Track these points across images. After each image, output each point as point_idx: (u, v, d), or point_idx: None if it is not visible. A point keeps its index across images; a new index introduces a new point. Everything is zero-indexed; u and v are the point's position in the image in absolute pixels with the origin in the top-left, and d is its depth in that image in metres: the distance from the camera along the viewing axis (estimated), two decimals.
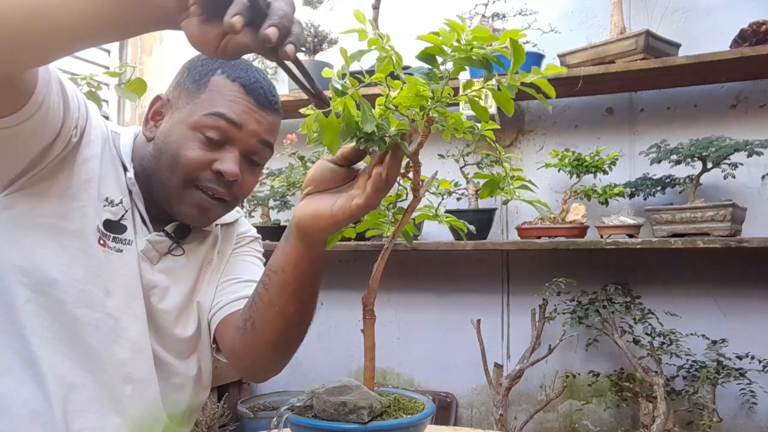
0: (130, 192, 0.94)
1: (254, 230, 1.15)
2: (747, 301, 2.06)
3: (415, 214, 0.79)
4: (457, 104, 0.73)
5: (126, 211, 0.93)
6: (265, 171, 2.53)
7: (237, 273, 1.05)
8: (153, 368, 0.93)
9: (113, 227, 0.91)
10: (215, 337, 1.01)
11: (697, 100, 2.15)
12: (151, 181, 0.95)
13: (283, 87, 2.66)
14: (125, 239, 0.92)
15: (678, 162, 1.92)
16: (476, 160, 2.15)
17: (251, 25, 0.59)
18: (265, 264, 0.95)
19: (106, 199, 0.91)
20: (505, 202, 0.84)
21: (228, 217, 1.06)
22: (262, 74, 0.96)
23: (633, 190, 2.02)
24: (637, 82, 2.11)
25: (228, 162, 0.90)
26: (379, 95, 0.69)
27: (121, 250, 0.91)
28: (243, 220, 1.14)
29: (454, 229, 0.86)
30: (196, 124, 0.90)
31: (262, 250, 1.14)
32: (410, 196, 0.77)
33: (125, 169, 0.94)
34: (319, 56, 2.49)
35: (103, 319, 0.88)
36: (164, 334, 0.96)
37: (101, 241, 0.89)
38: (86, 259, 0.87)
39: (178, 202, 0.92)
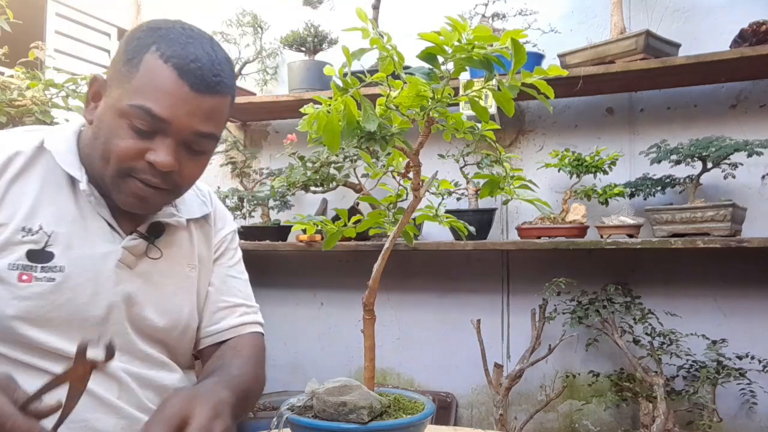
0: (93, 202, 0.90)
1: (230, 220, 1.10)
2: (747, 301, 2.06)
3: (415, 214, 0.79)
4: (458, 104, 0.73)
5: (49, 236, 0.87)
6: (265, 171, 2.53)
7: (224, 293, 1.03)
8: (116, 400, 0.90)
9: (38, 256, 0.85)
10: (200, 351, 1.02)
11: (697, 100, 2.15)
12: (95, 171, 0.89)
13: (284, 87, 2.66)
14: (55, 267, 0.86)
15: (678, 162, 1.91)
16: (476, 160, 2.15)
17: None
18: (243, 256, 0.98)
19: (23, 228, 0.85)
20: (505, 202, 0.84)
21: (195, 212, 1.02)
22: (207, 46, 0.86)
23: (633, 190, 2.02)
24: (637, 82, 2.11)
25: (160, 153, 0.84)
26: (379, 95, 0.69)
27: (53, 279, 0.86)
28: (219, 211, 1.09)
29: (454, 229, 0.86)
30: (123, 112, 0.83)
31: (238, 240, 1.12)
32: (410, 196, 0.77)
33: (75, 181, 0.89)
34: (319, 56, 2.49)
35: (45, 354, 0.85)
36: (145, 333, 0.94)
37: (23, 277, 0.84)
38: (16, 302, 0.83)
39: (116, 191, 0.87)
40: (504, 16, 2.21)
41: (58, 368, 0.85)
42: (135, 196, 0.87)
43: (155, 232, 0.95)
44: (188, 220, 1.01)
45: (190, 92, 0.83)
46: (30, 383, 0.84)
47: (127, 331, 0.92)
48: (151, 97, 0.82)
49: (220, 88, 0.86)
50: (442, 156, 2.19)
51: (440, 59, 0.63)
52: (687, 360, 1.96)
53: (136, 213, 0.92)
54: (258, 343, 1.03)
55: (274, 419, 0.74)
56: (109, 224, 0.91)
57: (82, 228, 0.90)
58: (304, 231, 0.88)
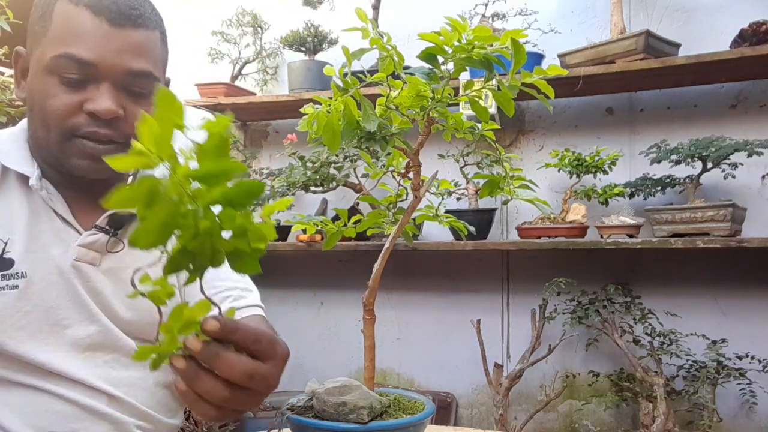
0: (46, 198, 0.84)
1: None
2: (747, 301, 2.06)
3: (415, 214, 0.79)
4: (458, 104, 0.73)
5: (6, 243, 0.82)
6: (264, 171, 2.53)
7: (213, 279, 0.95)
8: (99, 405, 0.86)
9: None
10: None
11: (697, 100, 2.15)
12: (44, 153, 0.84)
13: (284, 87, 2.66)
14: (17, 273, 0.82)
15: (678, 162, 1.91)
16: (476, 160, 2.15)
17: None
18: None
19: None
20: (505, 202, 0.84)
21: None
22: None
23: (633, 190, 2.02)
24: (637, 82, 2.11)
25: (99, 100, 0.78)
26: (379, 95, 0.69)
27: (16, 286, 0.81)
28: None
29: (454, 229, 0.86)
30: (49, 67, 0.78)
31: None
32: (410, 196, 0.77)
33: (25, 179, 0.84)
34: (319, 56, 2.49)
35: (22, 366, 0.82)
36: (124, 329, 0.90)
37: None
38: None
39: (65, 158, 0.81)
40: (504, 16, 2.21)
41: (39, 382, 0.83)
42: (87, 156, 0.81)
43: (117, 224, 0.89)
44: None
45: (109, 28, 0.78)
46: (13, 399, 0.82)
47: (108, 327, 0.88)
48: (70, 42, 0.77)
49: (141, 20, 0.81)
50: (442, 156, 2.19)
51: (440, 59, 0.63)
52: (687, 360, 1.96)
53: (93, 177, 0.84)
54: (263, 323, 0.94)
55: (274, 419, 0.74)
56: (65, 220, 0.86)
57: (38, 229, 0.85)
58: (304, 231, 0.87)
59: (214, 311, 0.53)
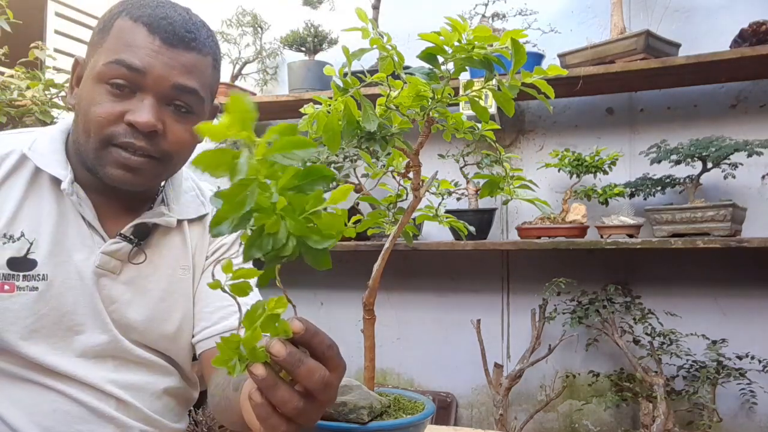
0: (75, 203, 0.85)
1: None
2: (747, 301, 2.06)
3: (415, 214, 0.79)
4: (458, 104, 0.73)
5: (31, 243, 0.83)
6: None
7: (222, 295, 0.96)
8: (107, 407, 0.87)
9: (19, 264, 0.82)
10: (200, 355, 0.96)
11: (697, 100, 2.15)
12: (83, 158, 0.85)
13: (284, 87, 2.66)
14: (38, 275, 0.82)
15: (678, 162, 1.91)
16: (476, 160, 2.15)
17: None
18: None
19: (5, 235, 0.82)
20: (505, 202, 0.84)
21: (191, 212, 0.97)
22: (180, 9, 0.84)
23: (633, 190, 2.02)
24: (637, 82, 2.11)
25: (140, 111, 0.80)
26: (379, 95, 0.69)
27: (36, 288, 0.82)
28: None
29: (454, 229, 0.86)
30: (100, 75, 0.80)
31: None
32: (410, 196, 0.77)
33: (58, 182, 0.85)
34: (319, 56, 2.49)
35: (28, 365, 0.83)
36: (135, 339, 0.91)
37: (5, 287, 0.80)
38: None
39: (101, 166, 0.82)
40: (504, 16, 2.21)
41: (49, 381, 0.83)
42: (121, 166, 0.82)
43: (142, 234, 0.90)
44: (183, 221, 0.95)
45: (162, 45, 0.80)
46: (22, 397, 0.82)
47: (118, 338, 0.88)
48: (123, 51, 0.79)
49: (195, 44, 0.83)
50: (442, 156, 2.19)
51: (440, 59, 0.63)
52: (687, 360, 1.96)
53: (126, 189, 0.85)
54: None
55: None
56: (91, 226, 0.87)
57: (63, 233, 0.85)
58: None
59: (290, 312, 0.51)
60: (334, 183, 2.22)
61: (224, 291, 0.50)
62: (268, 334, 0.49)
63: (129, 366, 0.90)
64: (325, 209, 0.44)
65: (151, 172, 0.85)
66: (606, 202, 2.01)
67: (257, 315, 0.49)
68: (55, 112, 1.89)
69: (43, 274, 0.83)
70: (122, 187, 0.84)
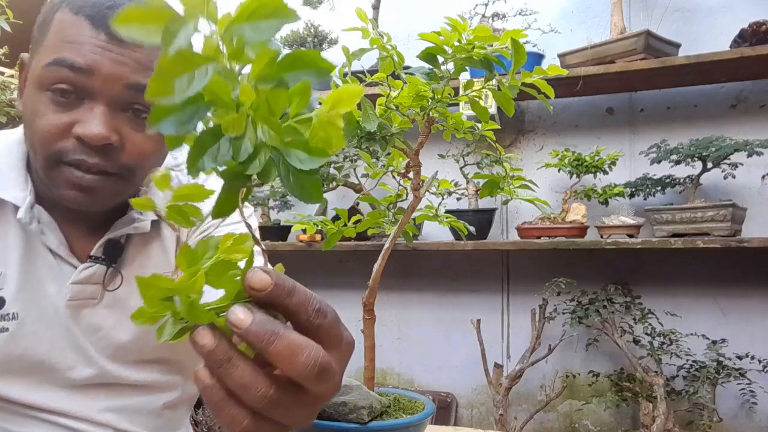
0: (36, 231, 0.74)
1: (230, 222, 0.82)
2: (747, 301, 2.06)
3: (415, 214, 0.79)
4: (458, 104, 0.73)
5: None
6: None
7: None
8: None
9: None
10: None
11: (697, 100, 2.15)
12: (34, 172, 0.74)
13: None
14: (7, 314, 0.74)
15: (678, 162, 1.91)
16: (476, 160, 2.15)
17: None
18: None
19: None
20: (505, 202, 0.84)
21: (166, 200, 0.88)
22: None
23: (633, 190, 2.02)
24: (637, 82, 2.11)
25: (89, 123, 0.67)
26: (379, 95, 0.69)
27: (6, 329, 0.74)
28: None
29: (454, 229, 0.86)
30: (41, 79, 0.68)
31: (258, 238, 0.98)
32: (410, 196, 0.77)
33: (15, 208, 0.74)
34: None
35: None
36: (127, 361, 0.83)
37: None
38: None
39: (54, 186, 0.70)
40: (504, 16, 2.21)
41: (41, 415, 0.78)
42: (74, 187, 0.69)
43: (114, 251, 0.78)
44: (158, 222, 0.82)
45: (109, 40, 0.67)
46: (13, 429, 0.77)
47: (106, 369, 0.80)
48: (63, 48, 0.67)
49: None
50: (442, 156, 2.19)
51: (440, 59, 0.63)
52: (687, 360, 1.96)
53: (83, 210, 0.73)
54: None
55: None
56: (57, 255, 0.76)
57: (32, 264, 0.76)
58: (304, 231, 0.87)
59: (259, 260, 0.36)
60: (334, 184, 2.22)
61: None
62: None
63: (123, 391, 0.84)
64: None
65: (110, 190, 0.72)
66: (606, 202, 2.01)
67: (200, 254, 0.33)
68: None
69: (13, 313, 0.74)
70: (79, 208, 0.73)
